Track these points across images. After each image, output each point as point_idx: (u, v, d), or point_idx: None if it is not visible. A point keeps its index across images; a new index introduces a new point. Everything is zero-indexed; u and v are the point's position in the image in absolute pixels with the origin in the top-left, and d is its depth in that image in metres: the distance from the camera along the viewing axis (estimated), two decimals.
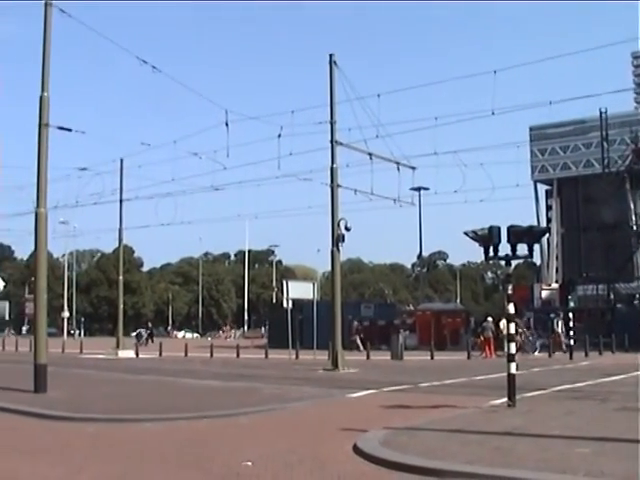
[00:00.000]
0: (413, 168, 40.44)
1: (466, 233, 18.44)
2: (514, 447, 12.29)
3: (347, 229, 36.89)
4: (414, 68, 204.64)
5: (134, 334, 74.33)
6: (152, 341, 62.36)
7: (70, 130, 29.08)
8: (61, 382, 25.56)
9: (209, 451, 13.43)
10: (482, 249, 18.21)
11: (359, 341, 54.30)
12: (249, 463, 11.94)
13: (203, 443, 14.47)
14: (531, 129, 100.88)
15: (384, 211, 48.05)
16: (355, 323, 57.56)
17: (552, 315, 54.68)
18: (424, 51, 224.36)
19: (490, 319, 48.99)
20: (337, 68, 37.40)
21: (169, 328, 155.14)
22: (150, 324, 59.10)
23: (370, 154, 37.90)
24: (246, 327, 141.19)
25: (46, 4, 24.92)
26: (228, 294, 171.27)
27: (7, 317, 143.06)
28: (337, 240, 36.81)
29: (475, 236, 18.20)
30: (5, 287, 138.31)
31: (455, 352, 50.37)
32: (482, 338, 49.28)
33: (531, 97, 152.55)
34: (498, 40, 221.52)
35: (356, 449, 12.82)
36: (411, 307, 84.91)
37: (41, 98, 24.97)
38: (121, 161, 54.36)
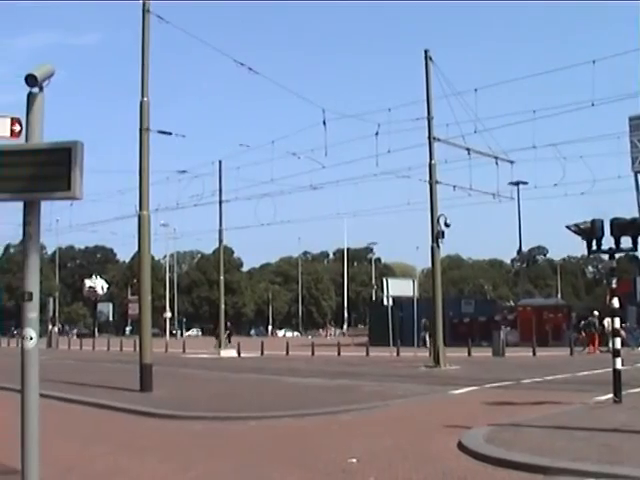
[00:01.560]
0: (511, 162, 40.04)
1: (568, 227, 18.22)
2: (622, 444, 12.10)
3: (447, 225, 36.75)
4: (511, 61, 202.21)
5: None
6: (229, 341, 62.71)
7: (170, 134, 29.62)
8: (166, 381, 25.96)
9: (313, 448, 13.56)
10: (584, 243, 17.98)
11: (427, 337, 54.72)
12: (354, 460, 12.03)
13: (307, 440, 14.61)
14: (630, 119, 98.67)
15: (483, 206, 47.78)
16: (423, 320, 57.85)
17: None
18: (521, 43, 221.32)
19: (596, 313, 48.25)
20: (433, 64, 37.29)
21: (269, 327, 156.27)
22: (230, 323, 59.47)
23: (468, 149, 37.66)
24: (346, 325, 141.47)
25: (144, 12, 25.39)
26: (327, 292, 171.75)
27: (111, 318, 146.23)
28: (437, 236, 36.69)
29: (578, 230, 17.98)
30: (108, 289, 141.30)
31: (557, 348, 49.65)
32: (584, 333, 48.61)
33: (631, 87, 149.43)
34: (596, 29, 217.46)
35: (460, 446, 12.81)
36: (511, 303, 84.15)
37: (141, 103, 25.44)
38: (220, 163, 55.03)
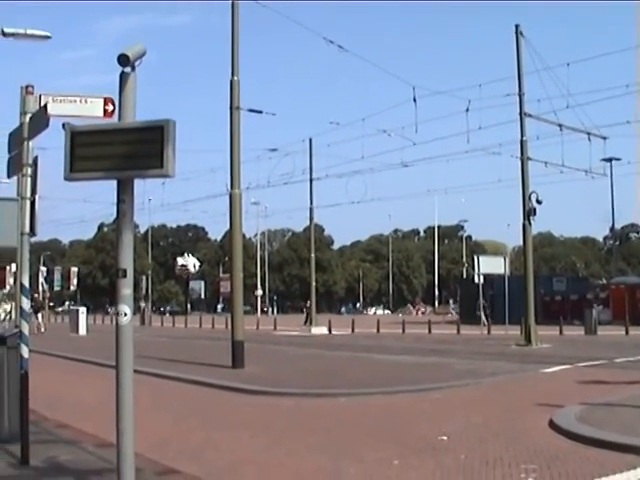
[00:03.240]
0: (604, 138, 39.43)
1: None
2: None
3: (538, 202, 36.34)
4: (604, 35, 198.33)
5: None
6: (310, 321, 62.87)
7: (261, 112, 29.80)
8: (257, 358, 26.19)
9: (404, 425, 13.60)
10: None
11: (484, 316, 54.89)
12: (444, 437, 12.03)
13: (398, 417, 14.65)
14: None
15: (575, 183, 47.08)
16: (481, 300, 57.99)
17: None
18: (614, 16, 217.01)
19: None
20: (524, 38, 36.79)
21: (358, 305, 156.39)
22: (309, 303, 59.71)
23: (560, 125, 37.14)
24: (437, 303, 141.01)
25: None
26: (418, 270, 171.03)
27: (202, 296, 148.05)
28: (528, 214, 36.31)
29: None
30: (200, 267, 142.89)
31: None
32: None
33: None
34: None
35: (552, 424, 12.71)
36: (604, 281, 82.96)
37: (231, 82, 25.61)
38: (310, 141, 55.17)
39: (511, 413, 14.69)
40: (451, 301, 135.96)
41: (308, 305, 63.22)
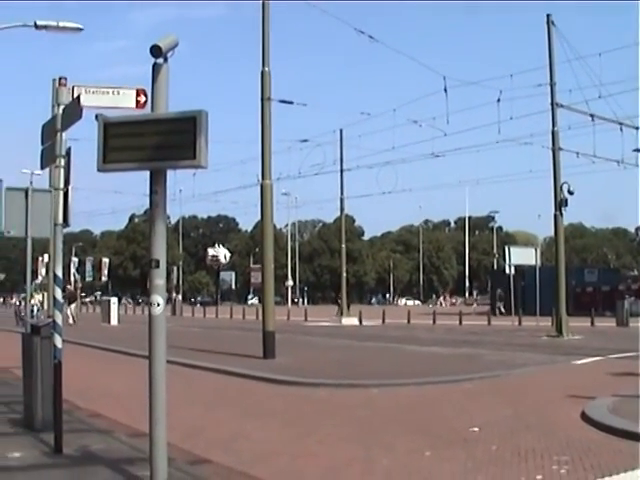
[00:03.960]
0: (637, 128, 39.13)
1: None
2: None
3: (570, 193, 36.12)
4: (638, 23, 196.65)
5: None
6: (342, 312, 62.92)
7: (292, 103, 29.85)
8: (288, 348, 26.22)
9: (436, 416, 13.60)
10: None
11: (502, 307, 55.38)
12: (476, 429, 12.01)
13: (429, 408, 14.65)
14: None
15: (607, 174, 46.69)
16: (498, 291, 58.33)
17: None
18: None
19: None
20: (555, 28, 36.55)
21: (388, 296, 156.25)
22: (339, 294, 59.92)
23: (592, 115, 36.88)
24: (467, 294, 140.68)
25: None
26: (449, 261, 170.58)
27: (233, 287, 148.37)
28: (560, 204, 36.12)
29: None
30: (231, 257, 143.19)
31: None
32: None
33: None
34: None
35: (584, 416, 12.65)
36: (636, 272, 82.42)
37: (262, 73, 25.62)
38: (341, 131, 55.15)
39: (542, 404, 14.65)
40: (475, 292, 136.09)
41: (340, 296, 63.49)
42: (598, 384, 16.87)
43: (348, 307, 59.25)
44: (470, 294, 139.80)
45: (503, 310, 57.03)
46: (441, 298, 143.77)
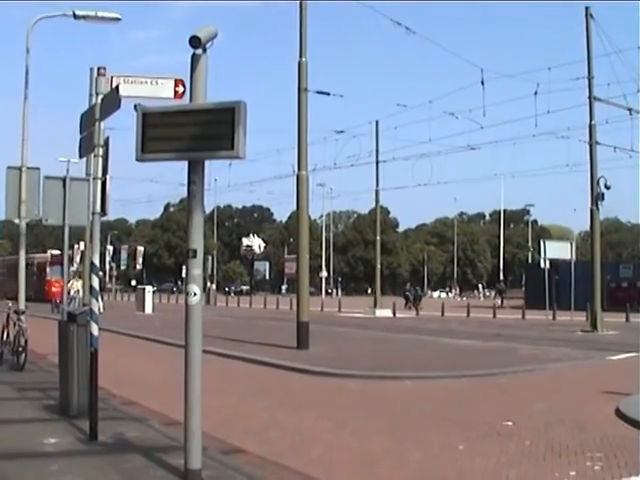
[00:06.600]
0: None
1: None
2: None
3: (607, 187, 35.88)
4: None
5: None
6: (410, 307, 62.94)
7: (328, 94, 29.81)
8: (322, 339, 26.23)
9: (469, 409, 13.58)
10: None
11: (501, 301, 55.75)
12: (509, 423, 11.98)
13: (463, 401, 14.63)
14: None
15: None
16: (500, 283, 58.36)
17: None
18: None
19: None
20: (594, 21, 36.30)
21: (424, 288, 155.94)
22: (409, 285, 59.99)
23: (630, 109, 36.58)
24: (479, 287, 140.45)
25: None
26: (483, 254, 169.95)
27: (267, 277, 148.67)
28: (596, 199, 35.90)
29: None
30: (265, 248, 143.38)
31: None
32: None
33: None
34: None
35: (618, 412, 12.58)
36: None
37: (299, 64, 25.60)
38: (377, 123, 54.97)
39: (576, 400, 14.59)
40: (480, 286, 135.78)
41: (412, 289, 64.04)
42: (633, 380, 16.74)
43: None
44: (476, 288, 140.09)
45: (499, 303, 57.01)
46: (482, 290, 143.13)
